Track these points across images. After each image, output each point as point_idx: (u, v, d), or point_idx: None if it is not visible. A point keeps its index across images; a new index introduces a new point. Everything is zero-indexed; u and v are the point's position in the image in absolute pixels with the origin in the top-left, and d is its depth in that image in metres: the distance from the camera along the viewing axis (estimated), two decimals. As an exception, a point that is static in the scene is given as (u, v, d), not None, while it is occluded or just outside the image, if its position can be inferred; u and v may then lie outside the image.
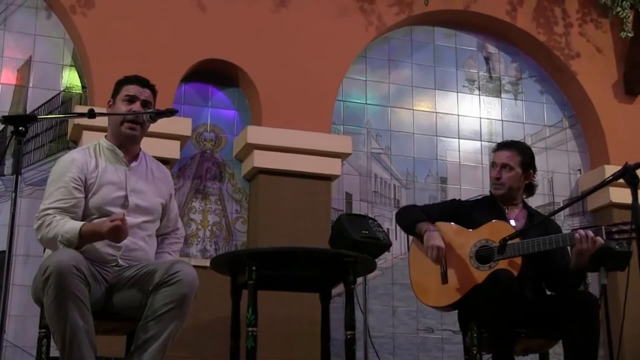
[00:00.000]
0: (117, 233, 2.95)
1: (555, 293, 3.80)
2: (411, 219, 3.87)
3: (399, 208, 4.16)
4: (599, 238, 3.49)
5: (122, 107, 3.25)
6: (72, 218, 3.08)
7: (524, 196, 3.94)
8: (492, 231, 3.70)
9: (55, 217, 3.05)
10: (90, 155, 3.24)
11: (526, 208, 3.92)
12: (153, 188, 3.31)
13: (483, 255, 3.68)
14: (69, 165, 3.17)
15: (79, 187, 3.13)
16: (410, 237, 3.96)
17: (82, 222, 3.04)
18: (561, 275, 3.67)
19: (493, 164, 3.90)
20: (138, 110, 3.22)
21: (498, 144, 4.03)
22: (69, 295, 2.81)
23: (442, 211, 3.91)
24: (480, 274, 3.62)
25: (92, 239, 3.03)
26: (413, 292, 3.86)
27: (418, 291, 3.83)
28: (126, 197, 3.20)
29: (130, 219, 3.13)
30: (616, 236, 3.49)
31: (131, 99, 3.26)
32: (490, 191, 3.94)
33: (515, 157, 3.84)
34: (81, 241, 2.99)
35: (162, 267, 3.00)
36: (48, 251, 3.14)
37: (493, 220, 3.74)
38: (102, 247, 3.09)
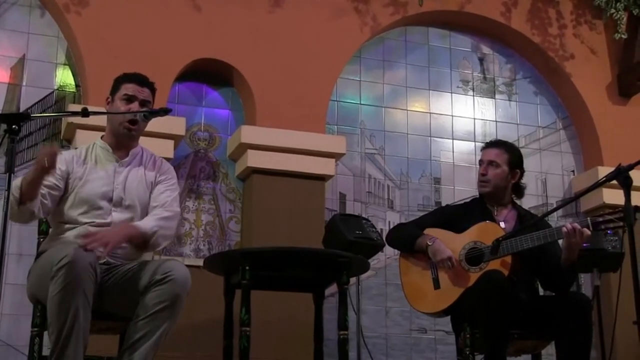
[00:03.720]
0: (42, 156, 2.87)
1: (550, 292, 3.81)
2: (407, 238, 3.82)
3: (389, 231, 4.07)
4: (586, 230, 3.49)
5: (120, 106, 3.24)
6: (42, 196, 3.02)
7: (513, 197, 3.92)
8: (481, 233, 3.70)
9: None
10: (79, 155, 3.26)
11: (516, 209, 3.89)
12: (141, 183, 3.28)
13: (473, 257, 3.69)
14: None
15: (58, 175, 3.10)
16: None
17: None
18: (554, 274, 3.67)
19: (480, 162, 3.88)
20: (134, 110, 3.21)
21: (486, 142, 4.01)
22: (78, 290, 2.78)
23: (433, 221, 3.88)
24: (471, 276, 3.62)
25: (31, 176, 2.91)
26: (407, 300, 3.84)
27: (412, 299, 3.81)
28: (112, 191, 3.19)
29: (117, 215, 3.15)
30: (602, 226, 3.50)
31: (130, 99, 3.24)
32: (479, 193, 3.93)
33: (502, 155, 3.82)
34: (24, 183, 2.91)
35: (154, 266, 2.98)
36: (45, 246, 3.13)
37: (480, 222, 3.74)
38: None
